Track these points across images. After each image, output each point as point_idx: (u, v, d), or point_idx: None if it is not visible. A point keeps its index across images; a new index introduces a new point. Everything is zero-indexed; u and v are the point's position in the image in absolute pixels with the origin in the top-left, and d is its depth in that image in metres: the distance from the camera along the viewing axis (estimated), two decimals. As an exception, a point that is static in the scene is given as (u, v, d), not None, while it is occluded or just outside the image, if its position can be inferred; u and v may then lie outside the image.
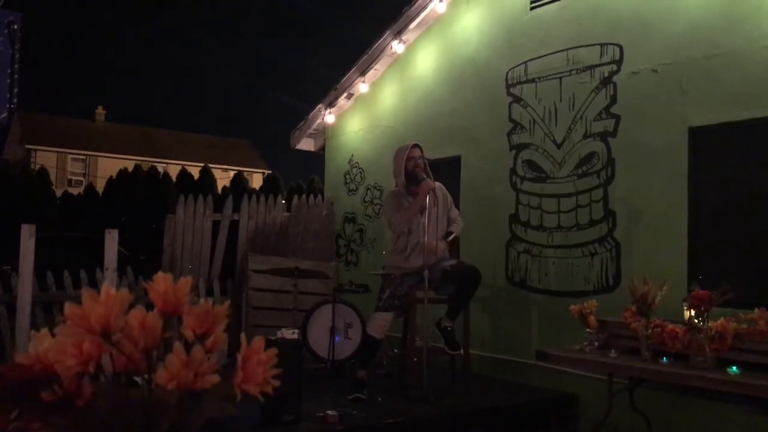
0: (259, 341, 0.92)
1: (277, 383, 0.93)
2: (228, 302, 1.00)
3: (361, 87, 7.44)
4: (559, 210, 5.39)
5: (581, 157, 5.26)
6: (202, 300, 0.98)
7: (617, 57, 5.09)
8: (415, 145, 4.89)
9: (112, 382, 0.95)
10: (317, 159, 8.56)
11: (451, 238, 4.90)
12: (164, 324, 0.96)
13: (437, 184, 4.90)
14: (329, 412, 4.10)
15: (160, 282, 0.93)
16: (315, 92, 8.22)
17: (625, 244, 4.92)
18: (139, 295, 1.21)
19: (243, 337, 0.91)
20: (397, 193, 4.95)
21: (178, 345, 0.89)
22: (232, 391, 0.89)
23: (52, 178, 22.29)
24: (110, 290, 0.89)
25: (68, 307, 0.88)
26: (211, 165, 22.96)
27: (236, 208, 7.42)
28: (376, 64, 7.24)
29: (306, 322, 5.63)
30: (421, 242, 4.64)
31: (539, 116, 5.62)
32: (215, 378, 0.88)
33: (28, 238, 5.29)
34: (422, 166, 4.82)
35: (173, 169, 23.34)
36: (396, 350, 5.59)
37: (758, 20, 4.31)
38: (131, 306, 0.95)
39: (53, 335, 0.93)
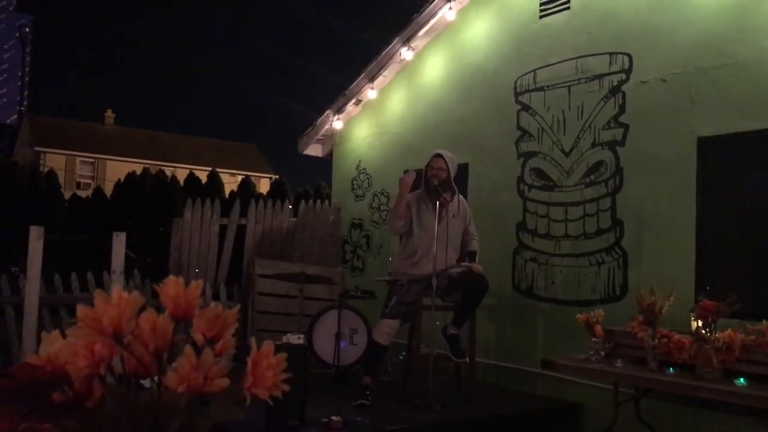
0: (268, 346, 0.93)
1: (286, 388, 0.93)
2: (238, 306, 1.01)
3: (370, 93, 7.46)
4: (567, 219, 5.38)
5: (589, 166, 5.25)
6: (212, 304, 0.98)
7: (626, 66, 5.08)
8: (438, 155, 4.90)
9: (120, 383, 0.96)
10: (325, 165, 8.58)
11: (476, 257, 4.99)
12: (174, 327, 0.97)
13: (459, 196, 4.96)
14: (334, 417, 4.10)
15: (171, 285, 0.94)
16: (323, 98, 8.25)
17: (633, 253, 4.91)
18: (146, 298, 1.21)
19: (253, 341, 0.91)
20: (415, 197, 4.96)
21: (188, 348, 0.89)
22: (242, 395, 0.90)
23: (61, 180, 22.41)
24: (122, 293, 0.89)
25: (80, 309, 0.88)
26: (218, 169, 23.04)
27: (243, 213, 7.44)
28: (384, 70, 7.26)
29: (311, 328, 5.63)
30: (433, 251, 4.63)
31: (547, 124, 5.62)
32: (225, 381, 0.89)
33: (36, 240, 5.32)
34: (441, 176, 4.81)
35: (181, 173, 23.40)
36: (401, 357, 5.58)
37: (768, 31, 4.31)
38: (141, 309, 0.95)
39: (63, 336, 0.94)
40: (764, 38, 4.32)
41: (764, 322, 3.57)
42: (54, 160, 29.65)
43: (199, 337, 0.94)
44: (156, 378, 0.91)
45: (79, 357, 0.87)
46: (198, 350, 0.93)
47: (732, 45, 4.47)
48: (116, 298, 0.88)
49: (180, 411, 0.88)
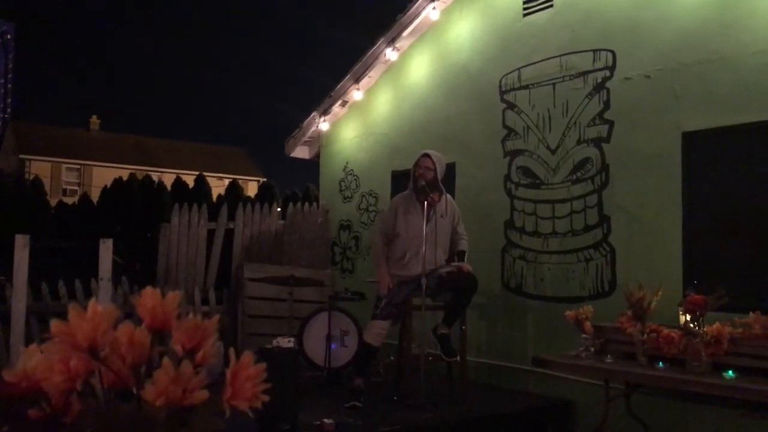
0: (247, 356, 0.91)
1: (266, 398, 0.92)
2: (218, 316, 1.00)
3: (356, 94, 7.44)
4: (554, 216, 5.40)
5: (575, 163, 5.27)
6: (190, 315, 0.97)
7: (610, 63, 5.10)
8: (426, 155, 4.89)
9: (105, 397, 0.94)
10: (312, 167, 8.56)
11: (465, 257, 4.99)
12: (155, 339, 0.95)
13: (447, 196, 4.95)
14: (326, 420, 4.09)
15: (148, 297, 0.92)
16: (311, 99, 8.22)
17: (620, 249, 4.93)
18: (133, 306, 1.19)
19: (231, 352, 0.90)
20: (403, 198, 4.94)
21: (166, 361, 0.88)
22: (222, 407, 0.89)
23: (47, 187, 22.19)
24: (97, 306, 0.88)
25: (55, 324, 0.87)
26: (206, 173, 22.92)
27: (231, 217, 7.40)
28: (370, 71, 7.24)
29: (302, 330, 5.61)
30: (422, 252, 4.62)
31: (533, 122, 5.63)
32: (204, 394, 0.87)
33: (22, 248, 5.27)
34: (428, 176, 4.81)
35: (168, 178, 23.27)
36: (392, 358, 5.57)
37: (750, 25, 4.33)
38: (128, 316, 0.94)
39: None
40: (746, 33, 4.35)
41: (751, 314, 3.60)
42: (39, 167, 29.38)
43: (178, 349, 0.93)
44: (135, 391, 0.89)
45: (54, 372, 0.85)
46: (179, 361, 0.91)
47: (715, 40, 4.50)
48: (91, 312, 0.86)
49: (160, 424, 0.87)
